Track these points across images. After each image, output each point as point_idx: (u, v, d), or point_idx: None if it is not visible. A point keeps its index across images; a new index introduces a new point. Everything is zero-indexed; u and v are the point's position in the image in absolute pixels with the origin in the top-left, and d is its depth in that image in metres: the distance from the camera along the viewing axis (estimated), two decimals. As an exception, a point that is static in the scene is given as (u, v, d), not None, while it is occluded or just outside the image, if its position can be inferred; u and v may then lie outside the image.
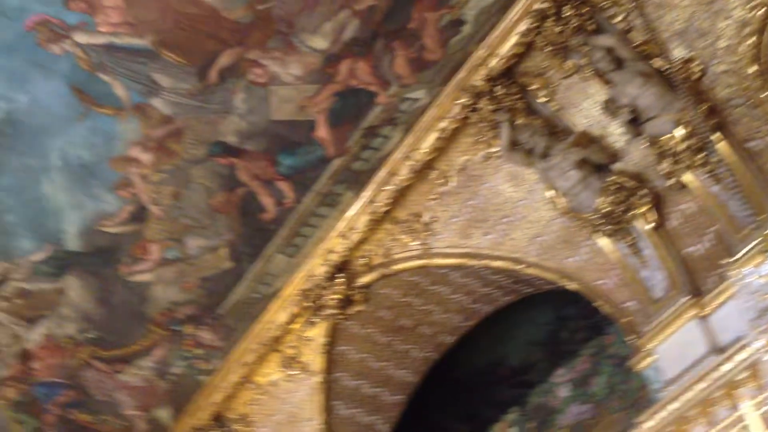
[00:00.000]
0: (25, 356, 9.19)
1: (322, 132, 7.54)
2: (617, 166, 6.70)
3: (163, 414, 9.78)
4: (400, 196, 7.92)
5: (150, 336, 8.98)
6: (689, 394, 6.10)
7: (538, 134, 6.82)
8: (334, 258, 8.37)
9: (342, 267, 8.43)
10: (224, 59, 7.04)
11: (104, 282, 8.57)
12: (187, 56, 7.03)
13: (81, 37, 6.86)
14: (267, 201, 8.00)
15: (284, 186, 7.92)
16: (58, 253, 8.32)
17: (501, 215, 7.48)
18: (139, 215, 8.09)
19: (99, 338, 9.01)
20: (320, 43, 6.96)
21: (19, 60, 6.93)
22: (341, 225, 8.20)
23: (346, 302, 8.57)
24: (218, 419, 9.64)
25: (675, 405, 6.19)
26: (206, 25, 6.82)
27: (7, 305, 8.69)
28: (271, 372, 9.16)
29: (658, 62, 6.30)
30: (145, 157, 7.64)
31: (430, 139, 7.53)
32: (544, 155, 6.77)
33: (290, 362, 8.99)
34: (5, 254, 8.26)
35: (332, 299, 8.51)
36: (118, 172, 7.73)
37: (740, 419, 5.65)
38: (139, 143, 7.54)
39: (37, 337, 9.00)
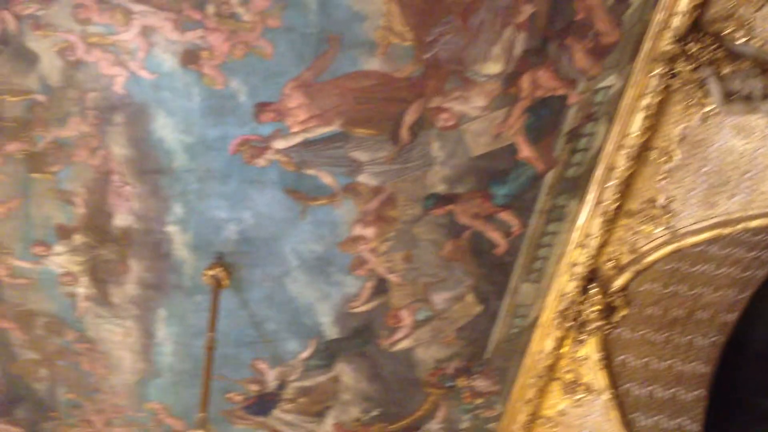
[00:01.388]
0: (325, 449, 9.71)
1: (526, 151, 7.37)
2: None
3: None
4: (626, 187, 7.51)
5: (429, 399, 9.11)
6: None
7: (750, 77, 6.20)
8: (580, 270, 8.06)
9: (591, 277, 8.09)
10: (410, 117, 7.13)
11: (370, 359, 8.85)
12: (375, 127, 7.21)
13: (279, 144, 7.28)
14: (495, 235, 7.91)
15: (506, 216, 7.79)
16: (321, 345, 8.74)
17: (741, 172, 6.85)
18: (381, 288, 8.30)
19: (383, 413, 9.27)
20: (494, 68, 6.85)
21: (234, 183, 7.47)
22: (576, 236, 7.91)
23: (608, 310, 8.18)
24: (523, 467, 9.56)
25: None
26: (383, 91, 6.97)
27: (293, 406, 9.23)
28: (557, 402, 8.91)
29: None
30: (369, 231, 7.87)
31: (638, 121, 7.11)
32: (765, 95, 6.15)
33: (572, 387, 8.69)
34: (277, 360, 8.81)
35: (593, 312, 8.17)
36: (349, 254, 8.03)
37: None
38: (359, 220, 7.79)
39: (329, 428, 9.44)
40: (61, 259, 7.93)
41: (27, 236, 7.72)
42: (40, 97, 6.90)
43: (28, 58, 6.70)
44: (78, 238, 7.80)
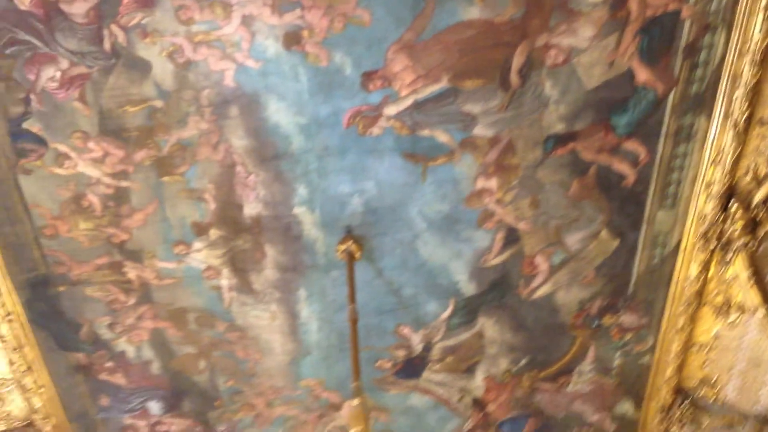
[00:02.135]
0: (479, 404, 9.75)
1: (643, 75, 7.10)
2: None
3: (626, 407, 9.69)
4: (755, 95, 7.12)
5: (576, 341, 9.01)
6: None
7: None
8: (717, 188, 7.74)
9: (729, 194, 7.75)
10: (517, 60, 6.99)
11: (511, 310, 8.81)
12: (483, 76, 7.11)
13: (390, 110, 7.29)
14: (622, 167, 7.69)
15: (631, 145, 7.56)
16: (460, 303, 8.77)
17: None
18: (512, 237, 8.23)
19: (532, 362, 9.25)
20: (597, -6, 6.64)
21: (352, 156, 7.55)
22: (708, 153, 7.59)
23: (752, 225, 7.83)
24: (680, 392, 9.28)
25: None
26: (486, 39, 6.86)
27: (442, 366, 9.32)
28: (710, 326, 8.63)
29: None
30: (491, 183, 7.80)
31: (758, 23, 6.72)
32: None
33: (724, 309, 8.40)
34: (420, 323, 8.90)
35: (736, 229, 7.84)
36: (475, 208, 8.00)
37: None
38: (481, 173, 7.73)
39: (480, 383, 9.50)
40: (201, 255, 8.24)
41: (167, 238, 8.05)
42: (158, 103, 7.15)
43: (140, 67, 6.95)
44: (214, 233, 8.09)
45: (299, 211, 7.95)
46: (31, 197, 7.62)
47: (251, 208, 7.92)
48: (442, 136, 7.49)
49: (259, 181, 7.70)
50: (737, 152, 7.49)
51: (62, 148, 7.31)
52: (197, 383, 9.31)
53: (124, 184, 7.64)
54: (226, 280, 8.49)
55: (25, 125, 7.16)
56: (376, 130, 7.39)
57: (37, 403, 9.12)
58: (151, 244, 8.09)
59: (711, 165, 7.62)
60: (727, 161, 7.53)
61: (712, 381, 9.10)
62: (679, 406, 9.33)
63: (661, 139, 7.51)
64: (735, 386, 8.99)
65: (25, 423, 9.34)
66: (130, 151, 7.40)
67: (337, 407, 9.66)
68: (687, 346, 8.87)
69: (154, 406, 9.47)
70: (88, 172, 7.51)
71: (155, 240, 8.05)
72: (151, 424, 9.70)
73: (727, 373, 8.93)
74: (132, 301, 8.56)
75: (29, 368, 8.81)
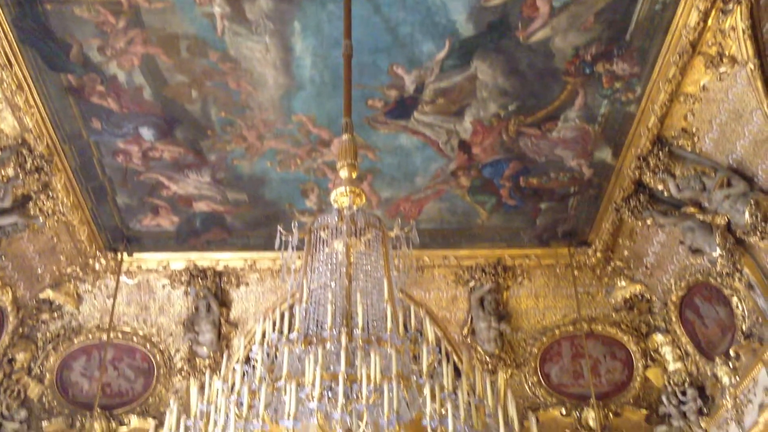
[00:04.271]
0: (464, 146, 10.01)
1: None
2: None
3: (605, 154, 10.06)
4: None
5: (566, 87, 9.11)
6: None
7: None
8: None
9: (735, -59, 7.61)
10: None
11: (507, 54, 8.79)
12: None
13: None
14: None
15: None
16: (456, 43, 8.70)
17: None
18: (515, -27, 8.03)
19: (521, 107, 9.39)
20: None
21: None
22: None
23: (756, -28, 7.75)
24: (659, 141, 9.65)
25: None
26: None
27: (432, 107, 9.43)
28: (699, 78, 8.79)
29: None
30: None
31: None
32: None
33: (716, 60, 8.49)
34: (414, 62, 8.87)
35: (740, -22, 7.78)
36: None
37: None
38: None
39: (468, 126, 9.68)
40: (196, -23, 7.96)
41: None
42: None
43: None
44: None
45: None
46: None
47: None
48: None
49: None
50: None
51: None
52: (190, 112, 9.33)
53: None
54: (218, 7, 8.25)
55: None
56: None
57: (29, 122, 9.12)
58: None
59: None
60: None
61: (692, 131, 9.42)
62: (656, 154, 9.69)
63: None
64: (713, 138, 9.33)
65: (18, 141, 9.40)
66: None
67: (326, 143, 9.84)
68: (673, 96, 9.06)
69: (147, 133, 9.54)
70: None
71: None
72: (144, 150, 9.82)
73: (708, 124, 9.23)
74: (122, 24, 8.33)
75: (19, 87, 8.72)
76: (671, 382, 11.63)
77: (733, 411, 10.42)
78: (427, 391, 5.53)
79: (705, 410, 11.28)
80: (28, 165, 9.53)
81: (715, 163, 9.48)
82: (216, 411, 5.71)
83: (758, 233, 9.10)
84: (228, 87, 9.03)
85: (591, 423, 11.54)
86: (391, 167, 10.27)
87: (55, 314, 11.77)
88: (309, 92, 9.18)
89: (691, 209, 9.96)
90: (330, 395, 5.64)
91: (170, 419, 6.00)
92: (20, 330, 11.51)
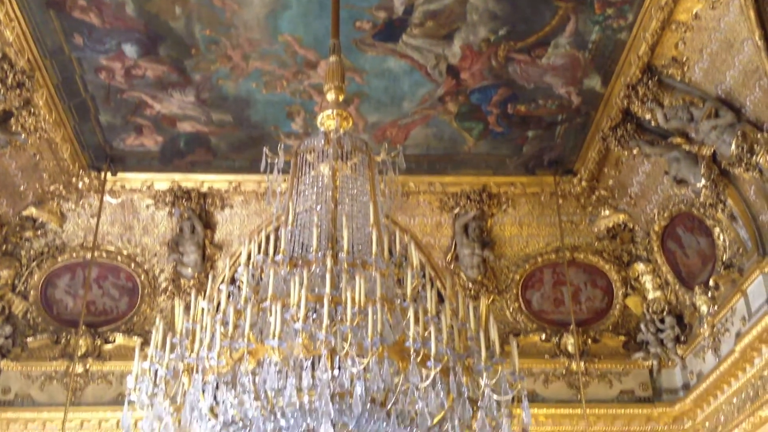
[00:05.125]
0: (453, 71, 9.86)
1: None
2: None
3: (594, 82, 9.95)
4: None
5: (558, 12, 8.93)
6: None
7: None
8: None
9: None
10: None
11: (498, -25, 8.65)
12: None
13: None
14: None
15: None
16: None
17: None
18: None
19: (511, 32, 9.22)
20: None
21: None
22: None
23: None
24: (649, 69, 9.55)
25: None
26: None
27: (421, 31, 9.25)
28: (692, 5, 8.64)
29: None
30: None
31: None
32: None
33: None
34: (405, -17, 8.69)
35: None
36: None
37: None
38: None
39: (457, 50, 9.52)
40: None
41: None
42: None
43: None
44: None
45: None
46: None
47: None
48: None
49: None
50: None
51: None
52: (173, 29, 9.08)
53: None
54: None
55: None
56: None
57: (10, 36, 8.88)
58: None
59: None
60: None
61: (683, 60, 9.33)
62: (646, 83, 9.61)
63: None
64: (702, 67, 9.26)
65: (-2, 56, 9.21)
66: None
67: (313, 65, 9.66)
68: (665, 24, 8.93)
69: (130, 50, 9.31)
70: None
71: None
72: (127, 67, 9.61)
73: (699, 53, 9.14)
74: (104, -65, 8.10)
75: (-1, -1, 8.51)
76: (650, 310, 11.86)
77: (710, 339, 10.66)
78: (410, 314, 5.60)
79: (682, 338, 11.55)
80: (9, 80, 9.33)
81: (704, 93, 9.44)
82: (202, 330, 5.76)
83: (743, 164, 9.14)
84: (212, 4, 8.78)
85: (570, 348, 11.79)
86: (378, 91, 10.13)
87: (39, 232, 11.76)
88: (296, 11, 8.96)
89: (678, 139, 9.97)
90: (315, 317, 5.71)
91: (156, 336, 6.04)
92: (4, 247, 11.51)
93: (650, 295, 11.86)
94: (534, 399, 10.82)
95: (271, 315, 5.54)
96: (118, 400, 11.18)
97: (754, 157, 9.03)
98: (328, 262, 5.90)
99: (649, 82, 9.60)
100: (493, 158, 11.50)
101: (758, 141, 9.01)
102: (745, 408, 9.97)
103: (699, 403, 11.03)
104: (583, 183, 11.73)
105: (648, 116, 10.02)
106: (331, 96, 7.25)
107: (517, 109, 10.46)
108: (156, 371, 5.87)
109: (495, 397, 5.68)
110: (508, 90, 10.11)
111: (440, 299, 6.08)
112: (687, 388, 11.45)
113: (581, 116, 10.61)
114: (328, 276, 5.74)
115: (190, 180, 11.76)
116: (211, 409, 5.65)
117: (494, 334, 5.97)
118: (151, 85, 9.99)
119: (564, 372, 11.85)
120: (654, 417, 11.59)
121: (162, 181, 11.77)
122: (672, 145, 10.08)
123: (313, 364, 5.41)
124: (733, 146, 9.15)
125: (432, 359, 5.42)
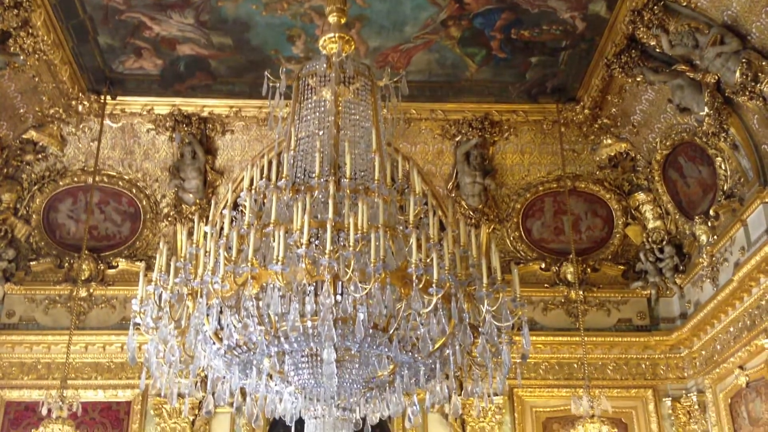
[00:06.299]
0: (457, -6, 9.72)
1: None
2: None
3: (599, 7, 9.78)
4: None
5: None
6: None
7: None
8: None
9: None
10: None
11: None
12: None
13: None
14: None
15: None
16: None
17: None
18: None
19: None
20: None
21: None
22: None
23: None
24: (657, -5, 9.44)
25: None
26: None
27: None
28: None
29: None
30: None
31: None
32: None
33: None
34: None
35: None
36: None
37: None
38: None
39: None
40: None
41: None
42: None
43: None
44: None
45: None
46: None
47: None
48: None
49: None
50: None
51: None
52: (172, -51, 8.93)
53: None
54: None
55: None
56: None
57: (5, -45, 8.73)
58: None
59: None
60: None
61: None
62: (651, 8, 9.45)
63: None
64: (710, -7, 9.11)
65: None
66: None
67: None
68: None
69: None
70: None
71: None
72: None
73: (707, -24, 8.97)
74: None
75: None
76: (650, 239, 11.93)
77: (708, 269, 10.75)
78: (413, 240, 5.62)
79: (681, 267, 11.64)
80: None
81: (710, 19, 9.29)
82: (205, 254, 5.79)
83: (747, 93, 9.06)
84: None
85: (569, 277, 11.90)
86: (380, 15, 9.94)
87: (40, 156, 11.73)
88: (296, -68, 8.79)
89: (682, 66, 9.85)
90: (317, 242, 5.73)
91: (160, 260, 6.08)
92: (5, 170, 11.49)
93: (650, 225, 11.92)
94: (533, 327, 10.91)
95: (274, 240, 5.56)
96: (121, 325, 11.40)
97: (758, 86, 8.96)
98: (331, 187, 5.89)
99: (655, 7, 9.43)
100: (495, 85, 11.37)
101: (763, 69, 8.93)
102: (742, 337, 10.13)
103: (696, 332, 11.19)
104: (586, 111, 11.63)
105: (653, 42, 9.88)
106: (332, 18, 7.11)
107: (521, 35, 10.29)
108: (160, 294, 5.93)
109: (496, 323, 5.75)
110: (512, 14, 9.93)
111: (441, 229, 6.10)
112: (684, 317, 11.61)
113: (585, 42, 10.44)
114: (330, 202, 5.74)
115: (191, 104, 11.66)
116: (216, 333, 5.74)
117: (496, 261, 6.01)
118: (150, 6, 9.80)
119: (563, 300, 11.99)
120: (651, 345, 11.77)
121: (162, 105, 11.67)
122: (676, 72, 9.97)
123: (316, 289, 5.47)
124: (738, 74, 9.06)
125: (434, 285, 5.47)
